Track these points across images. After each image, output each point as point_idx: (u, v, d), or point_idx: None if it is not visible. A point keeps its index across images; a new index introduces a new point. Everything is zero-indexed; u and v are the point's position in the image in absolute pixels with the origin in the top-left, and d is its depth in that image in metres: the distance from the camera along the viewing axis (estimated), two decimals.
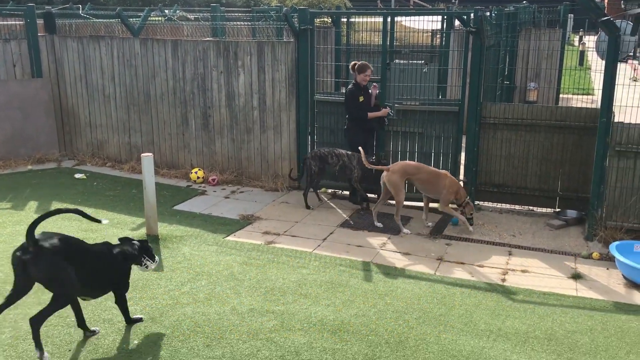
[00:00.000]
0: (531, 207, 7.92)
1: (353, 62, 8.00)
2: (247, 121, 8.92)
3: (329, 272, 6.07)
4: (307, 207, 8.02)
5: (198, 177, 9.09)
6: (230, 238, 7.01)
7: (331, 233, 7.24)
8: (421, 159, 8.17)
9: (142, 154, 6.87)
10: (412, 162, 7.61)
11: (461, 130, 7.91)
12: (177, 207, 8.08)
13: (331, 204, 8.33)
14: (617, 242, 6.36)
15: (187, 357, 4.40)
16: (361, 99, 7.85)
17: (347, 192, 8.53)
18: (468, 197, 7.31)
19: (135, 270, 4.94)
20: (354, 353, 4.49)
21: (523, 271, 6.25)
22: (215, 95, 9.02)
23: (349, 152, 7.82)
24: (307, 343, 4.61)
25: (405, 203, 7.65)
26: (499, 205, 8.10)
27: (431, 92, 9.60)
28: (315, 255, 6.55)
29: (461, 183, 7.78)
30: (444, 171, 7.41)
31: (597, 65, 7.86)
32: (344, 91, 8.57)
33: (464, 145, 8.05)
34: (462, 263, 6.42)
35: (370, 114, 7.91)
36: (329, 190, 8.81)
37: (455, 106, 7.95)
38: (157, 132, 9.63)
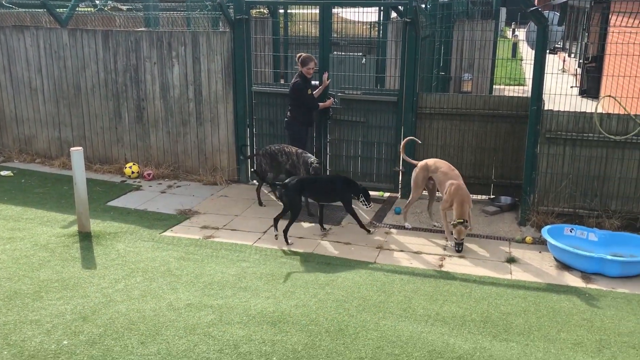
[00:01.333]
0: (480, 195, 8.07)
1: (299, 54, 7.91)
2: (182, 113, 8.71)
3: (270, 265, 6.00)
4: (260, 204, 7.85)
5: (133, 172, 8.81)
6: (167, 233, 6.83)
7: (272, 225, 7.15)
8: (364, 148, 8.21)
9: (72, 148, 6.58)
10: (436, 160, 7.11)
11: (401, 120, 7.99)
12: (110, 203, 7.81)
13: (271, 196, 8.24)
14: (548, 226, 6.56)
15: (120, 355, 4.24)
16: (309, 91, 7.80)
17: None
18: (465, 222, 6.36)
19: (60, 270, 4.72)
20: (293, 343, 4.44)
21: (460, 257, 6.37)
22: (149, 87, 8.76)
23: (299, 151, 7.55)
24: (246, 336, 4.53)
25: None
26: (437, 194, 8.22)
27: (371, 82, 9.68)
28: (256, 248, 6.47)
29: (399, 172, 7.86)
30: (456, 177, 6.73)
31: (527, 54, 8.09)
32: (283, 82, 8.49)
33: None
34: (402, 251, 6.49)
35: (321, 105, 7.89)
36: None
37: (393, 96, 8.02)
38: (88, 126, 9.27)
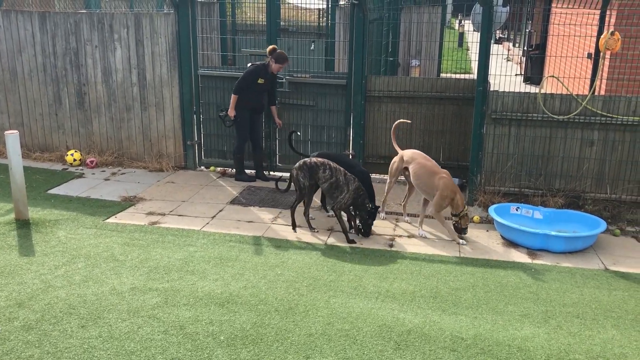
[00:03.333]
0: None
1: (273, 47, 7.71)
2: (126, 98, 8.43)
3: (218, 248, 5.86)
4: (294, 227, 6.48)
5: (75, 160, 8.49)
6: (111, 220, 6.59)
7: (220, 210, 7.02)
8: (314, 132, 8.15)
9: (6, 132, 6.26)
10: (413, 151, 6.71)
11: (350, 104, 7.96)
12: (51, 191, 7.49)
13: (220, 182, 8.08)
14: (495, 205, 6.66)
15: (59, 339, 4.04)
16: (261, 81, 7.66)
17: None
18: (467, 208, 6.29)
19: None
20: (242, 322, 4.34)
21: (409, 236, 6.39)
22: (90, 72, 8.44)
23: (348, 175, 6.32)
24: (193, 317, 4.40)
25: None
26: (386, 177, 8.24)
27: (320, 65, 9.63)
28: (204, 232, 6.32)
29: (350, 156, 7.83)
30: (443, 170, 6.39)
31: (473, 46, 8.17)
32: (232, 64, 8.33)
33: None
34: (351, 232, 6.45)
35: (230, 107, 7.73)
36: (218, 169, 8.56)
37: (342, 79, 7.98)
38: (26, 112, 8.87)
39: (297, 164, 6.36)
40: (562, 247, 6.02)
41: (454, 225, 6.31)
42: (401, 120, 7.13)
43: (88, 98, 8.55)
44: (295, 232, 6.36)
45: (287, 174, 8.28)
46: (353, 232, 6.39)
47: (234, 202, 7.33)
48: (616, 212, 6.91)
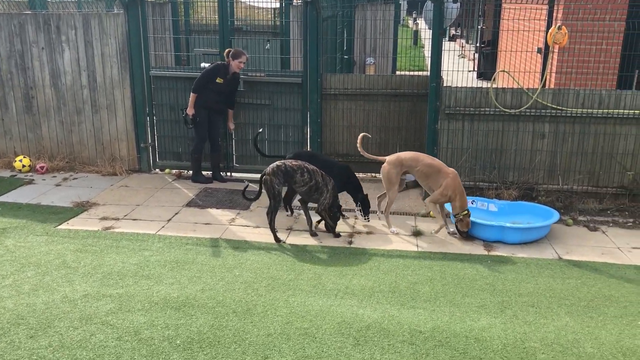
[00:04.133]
0: (374, 174, 8.16)
1: (227, 49, 7.64)
2: (76, 101, 8.20)
3: (174, 252, 5.75)
4: (277, 240, 6.13)
5: (24, 166, 8.22)
6: (63, 227, 6.40)
7: (176, 213, 6.90)
8: (271, 131, 8.10)
9: None
10: (412, 153, 6.45)
11: (306, 102, 7.93)
12: None
13: (176, 184, 7.95)
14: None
15: (5, 351, 3.89)
16: (219, 80, 7.55)
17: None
18: (467, 211, 6.08)
19: None
20: (199, 325, 4.26)
21: (368, 233, 6.41)
22: (37, 74, 8.18)
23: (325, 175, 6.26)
24: (148, 322, 4.30)
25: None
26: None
27: (276, 64, 9.59)
28: (159, 236, 6.19)
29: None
30: (450, 169, 6.21)
31: (428, 43, 8.24)
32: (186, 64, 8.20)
33: None
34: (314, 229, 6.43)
35: (189, 106, 7.61)
36: (174, 171, 8.41)
37: (298, 77, 7.94)
38: None
39: (270, 169, 6.03)
40: (517, 238, 6.12)
41: (455, 225, 6.23)
42: (364, 134, 6.84)
43: (36, 102, 8.29)
44: (282, 242, 6.07)
45: (245, 175, 8.28)
46: (313, 229, 6.36)
47: (190, 204, 7.22)
48: (568, 203, 7.07)
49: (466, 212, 6.09)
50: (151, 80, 8.13)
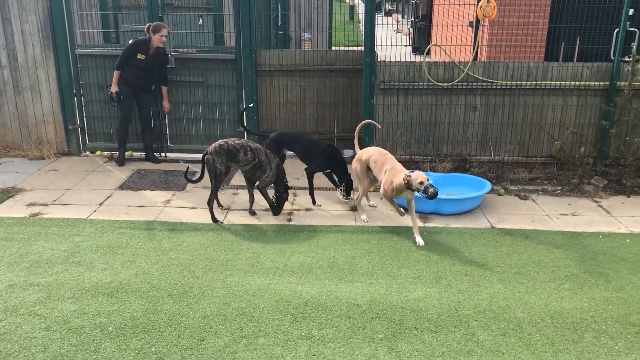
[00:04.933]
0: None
1: (148, 24, 7.34)
2: None
3: (107, 237, 5.57)
4: (215, 220, 6.03)
5: None
6: None
7: (109, 197, 6.67)
8: (205, 109, 7.92)
9: None
10: (368, 149, 6.14)
11: (241, 79, 7.78)
12: None
13: (108, 167, 7.68)
14: None
15: None
16: (140, 56, 7.28)
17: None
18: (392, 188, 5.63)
19: None
20: (132, 311, 4.16)
21: (307, 210, 6.39)
22: None
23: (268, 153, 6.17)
24: (79, 310, 4.16)
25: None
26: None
27: (209, 40, 9.35)
28: (91, 221, 5.97)
29: (244, 133, 7.67)
30: (392, 165, 5.76)
31: (362, 7, 8.20)
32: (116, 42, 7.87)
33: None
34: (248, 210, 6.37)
35: (113, 82, 7.39)
36: (105, 153, 8.12)
37: (231, 53, 7.77)
38: None
39: (212, 148, 5.88)
40: (452, 209, 6.25)
41: None
42: (368, 121, 6.65)
43: None
44: (221, 223, 5.97)
45: (181, 155, 8.09)
46: (252, 208, 6.29)
47: (123, 187, 7.00)
48: (500, 173, 7.27)
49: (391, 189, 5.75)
50: (77, 59, 7.78)
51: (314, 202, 6.52)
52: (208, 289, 4.53)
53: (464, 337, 3.92)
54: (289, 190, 6.33)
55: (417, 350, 3.76)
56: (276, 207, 6.22)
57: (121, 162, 7.70)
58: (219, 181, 5.96)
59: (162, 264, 4.98)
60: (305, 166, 6.60)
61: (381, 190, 5.80)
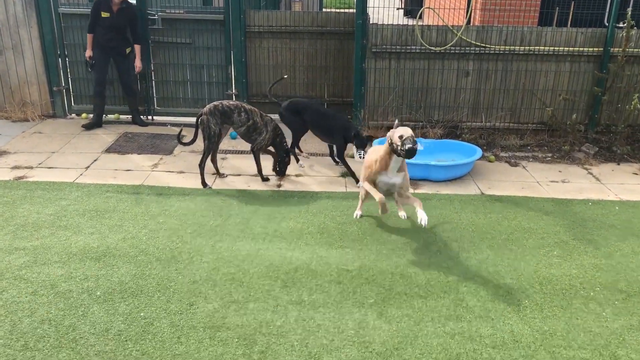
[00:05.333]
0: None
1: None
2: None
3: (94, 200, 5.49)
4: (205, 184, 5.97)
5: None
6: None
7: (95, 160, 6.57)
8: (193, 71, 7.77)
9: None
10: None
11: (230, 40, 7.60)
12: None
13: (94, 130, 7.54)
14: (378, 139, 6.72)
15: None
16: (105, 14, 7.07)
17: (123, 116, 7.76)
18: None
19: None
20: (120, 275, 4.11)
21: (297, 175, 6.34)
22: None
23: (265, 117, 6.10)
24: (66, 274, 4.11)
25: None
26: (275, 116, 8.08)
27: (197, 0, 9.13)
28: (77, 184, 5.88)
29: (233, 96, 7.55)
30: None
31: None
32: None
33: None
34: (239, 175, 6.30)
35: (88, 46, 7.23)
36: (90, 116, 7.96)
37: (220, 14, 7.58)
38: None
39: (207, 109, 5.81)
40: (442, 175, 6.23)
41: None
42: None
43: None
44: (209, 187, 5.93)
45: (168, 119, 7.95)
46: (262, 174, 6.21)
47: (109, 150, 6.88)
48: (491, 140, 7.24)
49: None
50: (61, 17, 7.55)
51: (357, 182, 6.13)
52: (197, 254, 4.50)
53: (454, 303, 3.93)
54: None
55: (407, 315, 3.76)
56: (280, 171, 6.19)
57: (89, 126, 7.50)
58: (212, 142, 5.88)
59: (150, 229, 4.92)
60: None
61: (362, 175, 5.01)
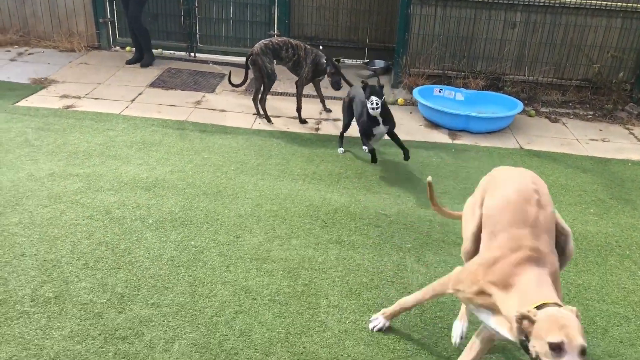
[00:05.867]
0: (342, 59, 8.00)
1: None
2: None
3: (140, 133, 5.66)
4: (269, 119, 6.17)
5: None
6: (22, 104, 6.17)
7: (140, 94, 6.71)
8: (236, 9, 7.77)
9: None
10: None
11: None
12: None
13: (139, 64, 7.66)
14: (419, 87, 6.73)
15: None
16: None
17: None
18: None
19: None
20: (170, 206, 4.31)
21: (335, 120, 6.41)
22: None
23: (307, 47, 6.12)
24: (119, 201, 4.32)
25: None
26: None
27: None
28: (124, 117, 6.05)
29: (275, 36, 7.55)
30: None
31: None
32: None
33: None
34: (278, 116, 6.39)
35: None
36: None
37: None
38: None
39: (258, 49, 5.90)
40: (482, 127, 6.24)
41: None
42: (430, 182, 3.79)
43: None
44: (271, 122, 6.14)
45: (210, 56, 8.01)
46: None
47: (154, 84, 7.02)
48: (532, 94, 7.18)
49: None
50: None
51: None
52: (241, 190, 4.66)
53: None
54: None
55: (444, 261, 3.90)
56: (299, 111, 6.20)
57: (131, 61, 7.57)
58: (272, 80, 6.04)
59: (195, 164, 5.09)
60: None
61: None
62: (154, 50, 7.81)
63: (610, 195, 5.03)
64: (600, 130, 6.55)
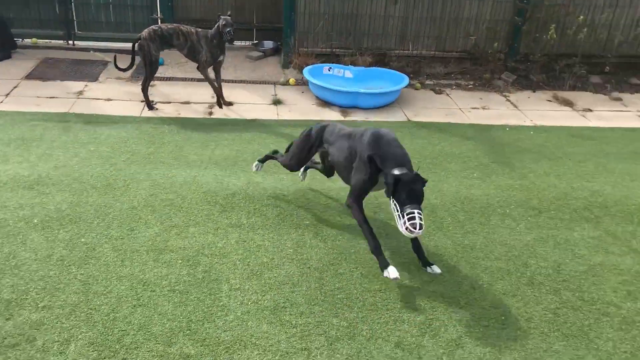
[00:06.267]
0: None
1: None
2: None
3: (18, 129, 5.32)
4: (150, 107, 6.01)
5: None
6: None
7: (15, 87, 6.29)
8: None
9: None
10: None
11: None
12: None
13: (12, 55, 7.15)
14: (309, 67, 6.80)
15: None
16: None
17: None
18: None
19: None
20: (56, 203, 4.10)
21: (229, 103, 6.33)
22: None
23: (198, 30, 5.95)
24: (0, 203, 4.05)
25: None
26: None
27: None
28: None
29: (158, 20, 7.32)
30: None
31: None
32: None
33: None
34: (169, 102, 6.23)
35: None
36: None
37: None
38: None
39: (147, 34, 5.69)
40: (371, 103, 6.41)
41: None
42: None
43: None
44: (155, 109, 5.97)
45: (90, 44, 7.62)
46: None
47: (30, 76, 6.59)
48: (417, 68, 7.46)
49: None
50: None
51: None
52: (133, 181, 4.51)
53: (382, 222, 4.20)
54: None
55: (341, 234, 4.00)
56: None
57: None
58: (154, 68, 5.83)
59: (81, 157, 4.86)
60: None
61: None
62: (27, 40, 7.32)
63: (492, 159, 5.36)
64: (481, 98, 6.95)
